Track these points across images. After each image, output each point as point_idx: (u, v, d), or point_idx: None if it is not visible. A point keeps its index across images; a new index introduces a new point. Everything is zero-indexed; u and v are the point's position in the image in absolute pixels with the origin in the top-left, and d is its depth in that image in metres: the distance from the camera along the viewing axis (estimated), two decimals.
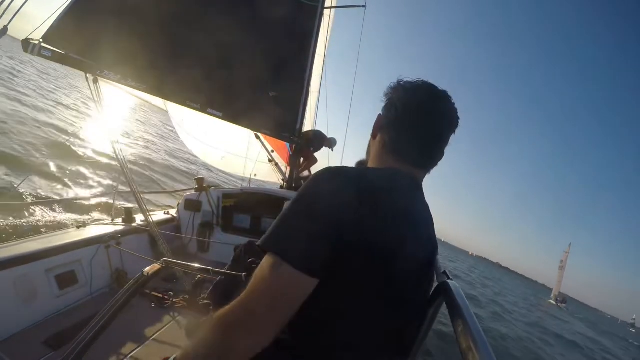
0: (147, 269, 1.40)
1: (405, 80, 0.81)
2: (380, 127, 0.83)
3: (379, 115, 0.84)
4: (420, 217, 0.72)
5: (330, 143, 5.17)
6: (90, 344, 0.97)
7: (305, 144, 4.63)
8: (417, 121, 0.77)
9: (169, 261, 1.50)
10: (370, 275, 0.62)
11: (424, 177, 0.81)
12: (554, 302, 49.21)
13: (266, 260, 0.58)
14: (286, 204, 0.65)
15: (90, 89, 2.35)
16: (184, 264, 1.58)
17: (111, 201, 3.05)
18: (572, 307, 54.39)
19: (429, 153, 0.79)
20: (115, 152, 2.31)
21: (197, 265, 1.64)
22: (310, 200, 0.62)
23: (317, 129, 6.77)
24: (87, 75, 2.36)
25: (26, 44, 2.20)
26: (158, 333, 1.97)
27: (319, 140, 5.02)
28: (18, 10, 2.02)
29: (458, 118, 0.80)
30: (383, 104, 0.84)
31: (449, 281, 0.70)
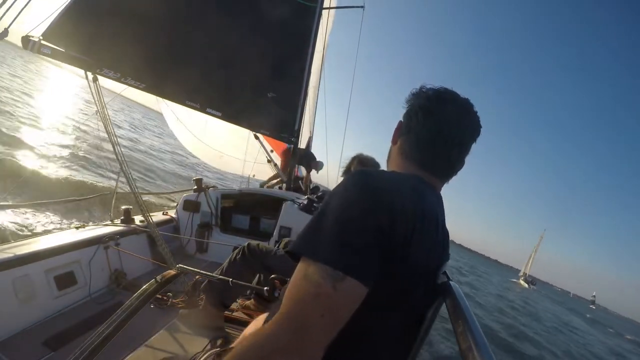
0: (160, 275, 1.39)
1: (427, 87, 0.80)
2: (401, 134, 0.82)
3: (400, 121, 0.83)
4: (442, 227, 0.71)
5: (317, 166, 5.38)
6: (99, 349, 0.96)
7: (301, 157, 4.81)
8: (440, 130, 0.75)
9: (184, 268, 1.49)
10: (398, 283, 0.61)
11: (442, 186, 0.80)
12: (526, 285, 52.42)
13: (317, 273, 0.53)
14: (321, 207, 0.62)
15: (90, 87, 2.34)
16: (200, 272, 1.58)
17: (110, 202, 3.05)
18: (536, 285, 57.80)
19: (450, 163, 0.78)
20: (115, 152, 2.30)
21: (213, 274, 1.63)
22: (358, 206, 0.58)
23: (311, 145, 7.12)
24: (87, 74, 2.36)
25: (26, 41, 2.19)
26: (157, 334, 1.96)
27: (307, 159, 5.20)
28: (19, 13, 2.01)
29: (480, 127, 0.79)
30: (404, 110, 0.83)
31: (449, 282, 0.70)
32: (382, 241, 0.57)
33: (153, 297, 1.30)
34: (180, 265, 1.50)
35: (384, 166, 0.94)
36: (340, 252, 0.54)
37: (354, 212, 0.58)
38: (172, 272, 1.45)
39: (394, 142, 0.84)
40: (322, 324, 0.51)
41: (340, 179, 2.40)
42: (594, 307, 79.94)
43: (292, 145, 4.75)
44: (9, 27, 2.05)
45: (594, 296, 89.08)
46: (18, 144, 8.01)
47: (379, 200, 0.59)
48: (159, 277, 1.38)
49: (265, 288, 1.43)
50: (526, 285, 51.50)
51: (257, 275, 2.21)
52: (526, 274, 64.44)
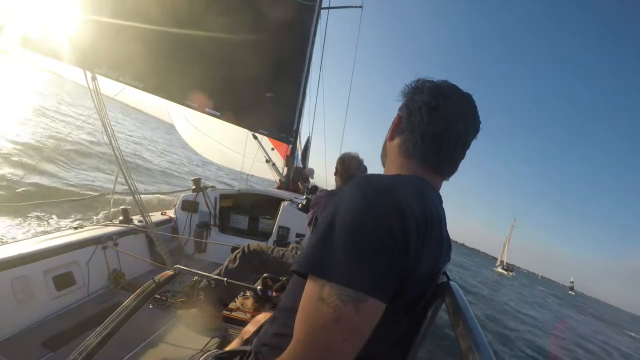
0: (158, 276, 1.39)
1: (427, 80, 0.76)
2: (402, 130, 0.77)
3: (399, 116, 0.78)
4: (445, 229, 0.69)
5: (309, 173, 5.67)
6: (97, 350, 0.95)
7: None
8: (445, 128, 0.71)
9: (181, 268, 1.49)
10: (410, 289, 0.60)
11: (442, 183, 0.77)
12: (504, 272, 54.92)
13: (335, 295, 0.50)
14: (327, 221, 0.57)
15: (89, 87, 2.33)
16: (197, 272, 1.58)
17: (108, 202, 3.04)
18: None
19: (453, 161, 0.75)
20: (114, 152, 2.29)
21: (209, 274, 1.63)
22: (369, 218, 0.54)
23: (310, 146, 7.40)
24: (86, 73, 2.35)
25: (25, 40, 2.18)
26: (156, 333, 1.97)
27: (296, 174, 5.38)
28: (18, 12, 2.00)
29: (480, 122, 0.75)
30: (401, 104, 0.79)
31: (449, 282, 0.70)
32: (398, 254, 0.54)
33: (151, 297, 1.29)
34: (177, 265, 1.50)
35: (373, 159, 0.90)
36: (358, 271, 0.51)
37: (367, 227, 0.54)
38: (169, 272, 1.45)
39: (390, 138, 0.80)
40: (346, 348, 0.49)
41: (333, 179, 2.38)
42: (573, 293, 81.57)
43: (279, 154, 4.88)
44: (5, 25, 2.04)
45: (572, 282, 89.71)
46: (16, 143, 7.98)
47: (391, 213, 0.55)
48: (156, 278, 1.38)
49: (259, 287, 1.45)
50: (505, 273, 53.88)
51: (256, 274, 2.22)
52: (503, 261, 67.37)
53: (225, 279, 1.61)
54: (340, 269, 0.51)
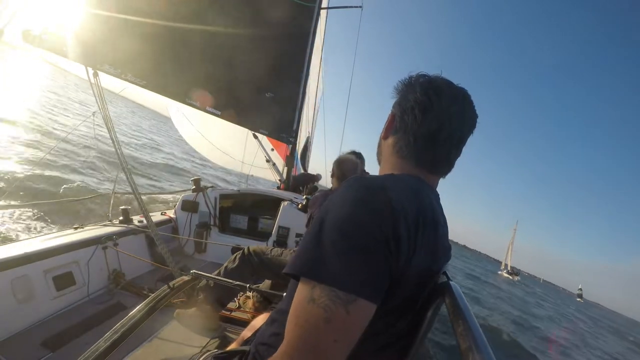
0: (173, 281, 1.38)
1: (421, 75, 0.73)
2: (395, 130, 0.75)
3: (393, 114, 0.76)
4: (443, 227, 0.68)
5: (316, 179, 5.81)
6: (105, 355, 0.94)
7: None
8: (439, 129, 0.69)
9: (198, 273, 1.49)
10: (406, 290, 0.60)
11: (438, 181, 0.76)
12: (509, 276, 54.93)
13: (325, 296, 0.49)
14: (318, 222, 0.57)
15: (91, 83, 2.32)
16: (214, 277, 1.58)
17: (109, 202, 3.04)
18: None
19: (448, 159, 0.73)
20: (116, 151, 2.28)
21: (230, 280, 1.63)
22: (360, 220, 0.54)
23: (310, 147, 7.42)
24: (88, 69, 2.34)
25: (27, 35, 2.18)
26: (156, 333, 1.96)
27: (302, 182, 5.51)
28: (16, 12, 2.00)
29: (477, 116, 0.73)
30: (395, 101, 0.77)
31: (449, 282, 0.70)
32: (388, 254, 0.54)
33: (165, 303, 1.27)
34: (194, 271, 1.49)
35: (372, 159, 0.88)
36: (348, 271, 0.51)
37: (356, 226, 0.53)
38: (185, 278, 1.44)
39: (384, 137, 0.78)
40: (336, 349, 0.49)
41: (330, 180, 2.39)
42: (581, 301, 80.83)
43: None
44: (4, 27, 2.04)
45: (581, 289, 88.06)
46: (15, 143, 7.98)
47: (381, 211, 0.54)
48: (172, 283, 1.36)
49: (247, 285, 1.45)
50: (510, 277, 54.06)
51: (255, 275, 2.22)
52: (507, 265, 67.16)
53: (247, 285, 1.59)
54: (330, 269, 0.51)
